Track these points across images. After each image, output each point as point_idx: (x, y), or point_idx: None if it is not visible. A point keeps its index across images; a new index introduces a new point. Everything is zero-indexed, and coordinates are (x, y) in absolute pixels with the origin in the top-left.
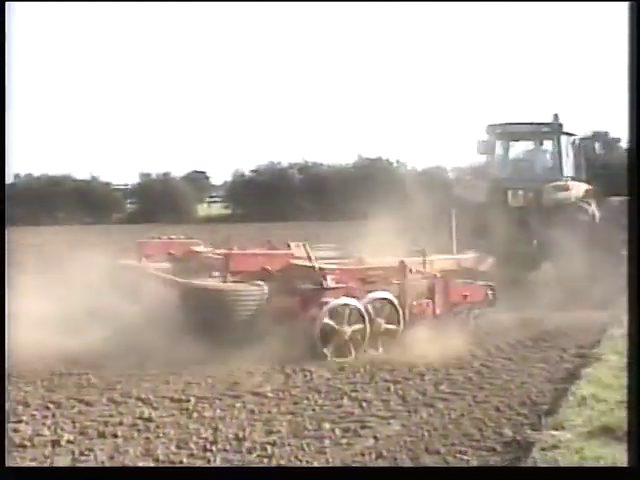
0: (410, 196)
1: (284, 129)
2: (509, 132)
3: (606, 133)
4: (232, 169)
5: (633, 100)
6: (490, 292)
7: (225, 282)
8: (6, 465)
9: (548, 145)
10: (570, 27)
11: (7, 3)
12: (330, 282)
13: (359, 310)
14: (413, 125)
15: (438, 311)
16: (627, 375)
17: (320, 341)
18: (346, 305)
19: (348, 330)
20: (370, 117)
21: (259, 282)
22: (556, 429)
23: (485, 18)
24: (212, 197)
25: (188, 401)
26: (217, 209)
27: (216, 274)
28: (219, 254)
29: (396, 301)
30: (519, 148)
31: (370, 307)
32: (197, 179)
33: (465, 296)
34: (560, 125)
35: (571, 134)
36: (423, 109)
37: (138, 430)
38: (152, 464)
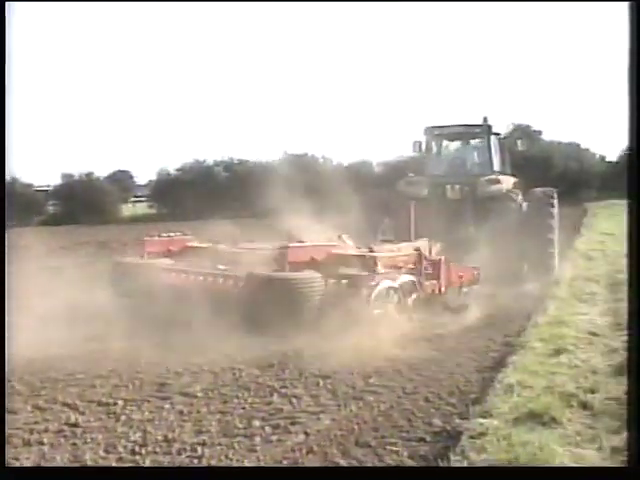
0: (344, 191)
1: (209, 127)
2: (444, 134)
3: (527, 126)
4: (157, 168)
5: (633, 100)
6: (476, 273)
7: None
8: (6, 465)
9: (478, 144)
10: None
11: (7, 3)
12: (380, 268)
13: (396, 290)
14: (337, 121)
15: (443, 289)
16: (627, 375)
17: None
18: (390, 287)
19: (391, 308)
20: (295, 113)
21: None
22: (484, 417)
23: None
24: (137, 197)
25: (116, 404)
26: (142, 209)
27: (221, 265)
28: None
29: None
30: (451, 147)
31: (402, 288)
32: (121, 179)
33: (460, 276)
34: (489, 127)
35: (498, 133)
36: (348, 105)
37: (65, 436)
38: None
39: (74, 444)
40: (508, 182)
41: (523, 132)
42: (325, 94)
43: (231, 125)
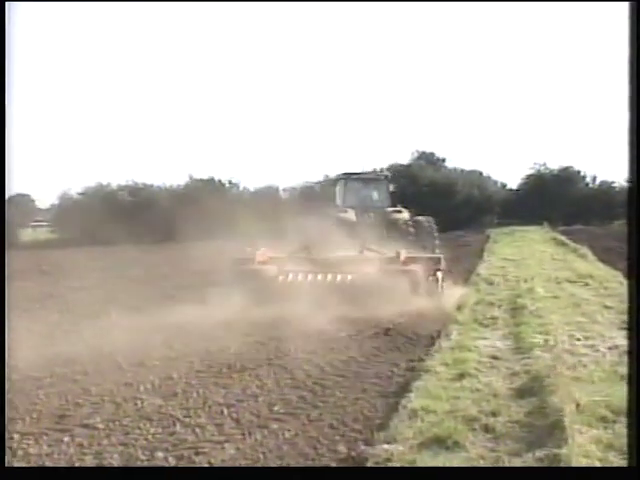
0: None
1: (113, 150)
2: (353, 179)
3: (431, 153)
4: (59, 192)
5: (633, 100)
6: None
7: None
8: (6, 465)
9: (378, 186)
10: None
11: (7, 3)
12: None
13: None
14: (243, 146)
15: (440, 282)
16: (627, 375)
17: None
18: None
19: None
20: (200, 138)
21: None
22: (389, 442)
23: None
24: (37, 221)
25: (12, 439)
26: (43, 233)
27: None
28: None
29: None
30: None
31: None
32: (21, 202)
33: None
34: (387, 176)
35: (389, 179)
36: (254, 128)
37: None
38: None
39: None
40: (406, 213)
41: (427, 159)
42: (233, 115)
43: (135, 148)
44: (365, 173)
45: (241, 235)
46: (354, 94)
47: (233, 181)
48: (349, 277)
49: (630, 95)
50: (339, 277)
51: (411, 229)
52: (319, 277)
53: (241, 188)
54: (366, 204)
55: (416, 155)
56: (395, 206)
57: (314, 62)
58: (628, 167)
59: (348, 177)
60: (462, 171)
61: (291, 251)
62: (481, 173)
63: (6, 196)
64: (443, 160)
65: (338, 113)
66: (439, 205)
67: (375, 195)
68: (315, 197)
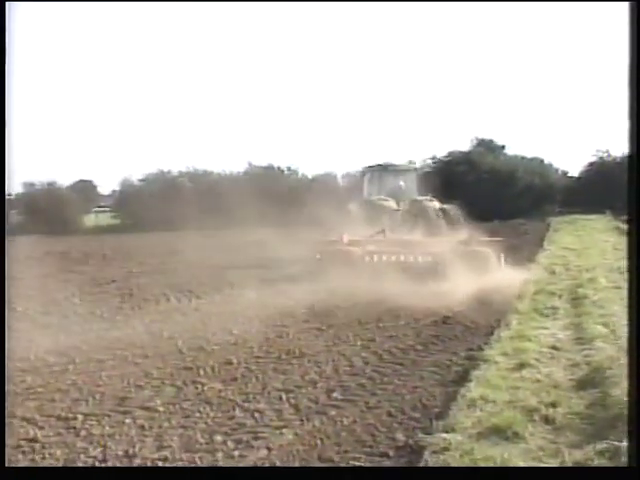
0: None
1: (173, 136)
2: (385, 170)
3: (491, 140)
4: (120, 178)
5: (633, 100)
6: None
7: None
8: (6, 465)
9: (407, 177)
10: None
11: (7, 3)
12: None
13: None
14: (302, 132)
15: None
16: (627, 376)
17: None
18: None
19: None
20: (260, 124)
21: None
22: (447, 431)
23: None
24: (100, 207)
25: (75, 419)
26: (105, 219)
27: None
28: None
29: None
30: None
31: None
32: (84, 188)
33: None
34: (415, 168)
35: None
36: (312, 116)
37: (23, 452)
38: None
39: (32, 460)
40: (436, 202)
41: (486, 146)
42: (291, 104)
43: (196, 135)
44: (394, 165)
45: (301, 221)
46: (413, 80)
47: (292, 167)
48: (429, 258)
49: (630, 95)
50: (420, 258)
51: (440, 216)
52: (402, 258)
53: (300, 175)
54: (396, 194)
55: (475, 142)
56: (425, 195)
57: (370, 49)
58: (628, 167)
59: (381, 168)
60: (523, 158)
61: (370, 234)
62: (542, 160)
63: (5, 197)
64: (503, 147)
65: (398, 99)
66: (499, 193)
67: (404, 185)
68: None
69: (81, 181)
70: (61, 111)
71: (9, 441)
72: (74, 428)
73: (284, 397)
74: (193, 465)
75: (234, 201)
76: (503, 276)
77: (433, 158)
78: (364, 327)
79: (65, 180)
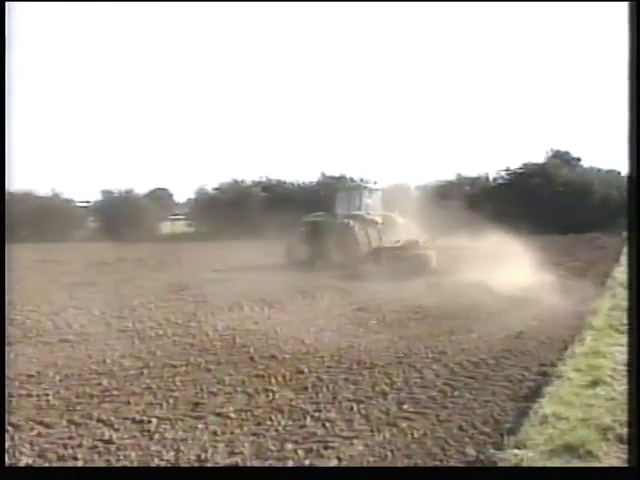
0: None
1: (246, 147)
2: (354, 190)
3: (567, 152)
4: (195, 187)
5: (633, 100)
6: None
7: None
8: (6, 465)
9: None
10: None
11: (7, 3)
12: None
13: None
14: (376, 143)
15: None
16: (627, 376)
17: None
18: None
19: None
20: (333, 135)
21: None
22: (519, 447)
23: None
24: (175, 215)
25: (150, 422)
26: (180, 227)
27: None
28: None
29: None
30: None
31: None
32: (160, 196)
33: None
34: (380, 189)
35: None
36: (385, 126)
37: (98, 453)
38: None
39: (107, 461)
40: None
41: (562, 158)
42: (363, 114)
43: (270, 145)
44: (362, 186)
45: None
46: (488, 89)
47: (364, 179)
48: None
49: (630, 95)
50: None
51: (406, 228)
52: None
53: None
54: (363, 210)
55: (551, 154)
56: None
57: (436, 60)
58: (628, 168)
59: (350, 188)
60: (599, 171)
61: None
62: (619, 173)
63: (5, 197)
64: (578, 159)
65: (471, 110)
66: (574, 205)
67: (371, 202)
68: (448, 195)
69: (158, 189)
70: (141, 120)
71: (85, 441)
72: (148, 431)
73: (355, 407)
74: (193, 465)
75: (306, 211)
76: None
77: (507, 170)
78: (435, 339)
79: (142, 188)
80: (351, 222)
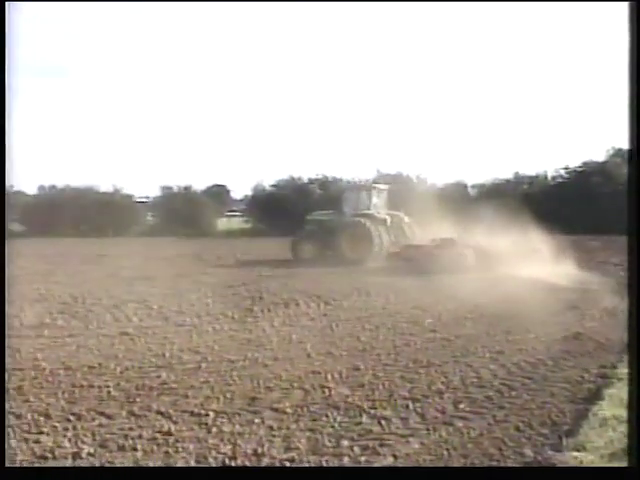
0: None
1: (303, 144)
2: (361, 189)
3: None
4: (253, 183)
5: (633, 100)
6: None
7: None
8: (6, 465)
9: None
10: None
11: (7, 3)
12: None
13: None
14: (433, 140)
15: None
16: (628, 376)
17: None
18: None
19: None
20: (389, 132)
21: None
22: (578, 450)
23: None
24: (232, 211)
25: (207, 415)
26: (237, 223)
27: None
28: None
29: None
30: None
31: None
32: (218, 193)
33: None
34: (387, 188)
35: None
36: (443, 124)
37: (157, 444)
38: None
39: (167, 452)
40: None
41: (623, 156)
42: (421, 112)
43: (327, 142)
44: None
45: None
46: (547, 86)
47: (421, 176)
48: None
49: (630, 95)
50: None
51: (410, 227)
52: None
53: (428, 183)
54: (369, 208)
55: (612, 152)
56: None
57: (503, 57)
58: (628, 168)
59: (358, 187)
60: None
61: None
62: None
63: (5, 197)
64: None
65: (531, 108)
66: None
67: (377, 202)
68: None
69: (215, 185)
70: (201, 117)
71: (145, 433)
72: (206, 424)
73: (411, 405)
74: (192, 466)
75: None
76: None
77: (566, 168)
78: (492, 339)
79: (200, 184)
80: (365, 221)
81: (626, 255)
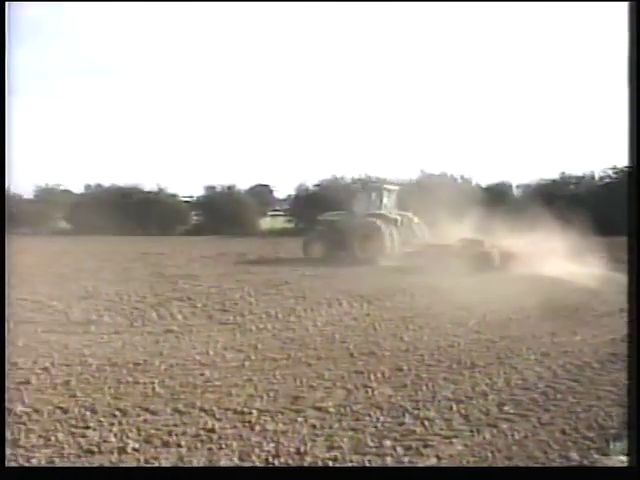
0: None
1: (347, 143)
2: (372, 189)
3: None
4: (296, 183)
5: (633, 100)
6: None
7: None
8: (6, 465)
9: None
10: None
11: (7, 3)
12: None
13: None
14: (479, 140)
15: None
16: (627, 376)
17: None
18: None
19: None
20: (433, 131)
21: None
22: (625, 454)
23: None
24: (275, 210)
25: (251, 413)
26: (280, 223)
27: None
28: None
29: None
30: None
31: None
32: (261, 192)
33: None
34: (397, 188)
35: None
36: (489, 123)
37: (201, 441)
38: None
39: (210, 449)
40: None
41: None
42: (466, 112)
43: (370, 142)
44: (380, 185)
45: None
46: (592, 85)
47: (465, 176)
48: None
49: (630, 95)
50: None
51: (420, 226)
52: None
53: (473, 183)
54: (379, 208)
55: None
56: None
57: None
58: (628, 167)
59: (369, 187)
60: None
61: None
62: None
63: (5, 196)
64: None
65: (574, 108)
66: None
67: (387, 202)
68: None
69: (259, 185)
70: (245, 118)
71: (189, 430)
72: (249, 422)
73: (454, 407)
74: (193, 466)
75: (402, 208)
76: None
77: (613, 168)
78: (537, 340)
79: (244, 184)
80: (377, 220)
81: None
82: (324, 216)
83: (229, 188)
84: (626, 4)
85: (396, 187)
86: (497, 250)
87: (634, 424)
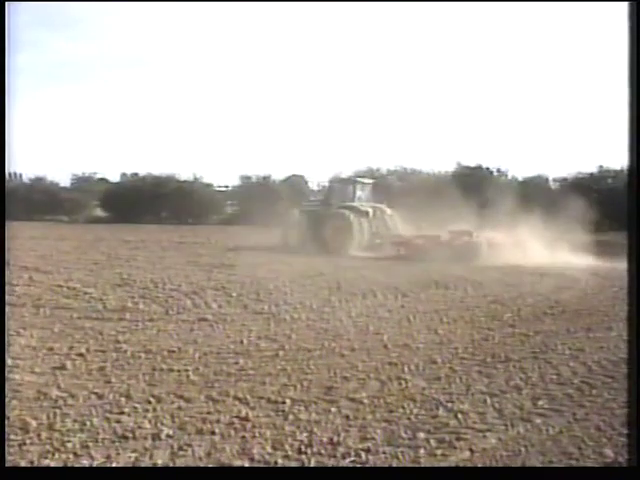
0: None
1: (383, 135)
2: (347, 182)
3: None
4: (331, 174)
5: (633, 100)
6: None
7: None
8: (6, 465)
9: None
10: None
11: (7, 3)
12: None
13: None
14: (514, 133)
15: None
16: (627, 375)
17: None
18: None
19: None
20: (470, 124)
21: None
22: None
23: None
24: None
25: (284, 403)
26: None
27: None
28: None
29: None
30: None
31: None
32: (296, 183)
33: None
34: (372, 182)
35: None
36: (525, 116)
37: (235, 429)
38: (247, 464)
39: (243, 437)
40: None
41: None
42: (502, 104)
43: (406, 134)
44: (354, 179)
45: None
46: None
47: (501, 169)
48: None
49: (630, 95)
50: None
51: (393, 218)
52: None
53: (509, 177)
54: (352, 201)
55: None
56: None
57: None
58: (628, 166)
59: (343, 181)
60: None
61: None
62: None
63: (5, 195)
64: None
65: (610, 103)
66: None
67: (362, 195)
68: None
69: (294, 176)
70: (281, 108)
71: (222, 417)
72: (283, 411)
73: (488, 400)
74: (192, 465)
75: (438, 201)
76: None
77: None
78: (572, 336)
79: (279, 174)
80: (347, 212)
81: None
82: (302, 206)
83: (264, 178)
84: (625, 4)
85: (370, 181)
86: (485, 240)
87: (634, 424)
